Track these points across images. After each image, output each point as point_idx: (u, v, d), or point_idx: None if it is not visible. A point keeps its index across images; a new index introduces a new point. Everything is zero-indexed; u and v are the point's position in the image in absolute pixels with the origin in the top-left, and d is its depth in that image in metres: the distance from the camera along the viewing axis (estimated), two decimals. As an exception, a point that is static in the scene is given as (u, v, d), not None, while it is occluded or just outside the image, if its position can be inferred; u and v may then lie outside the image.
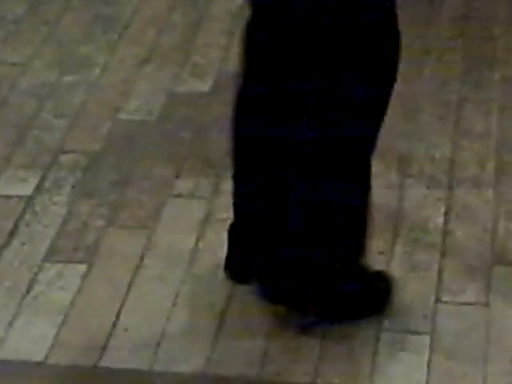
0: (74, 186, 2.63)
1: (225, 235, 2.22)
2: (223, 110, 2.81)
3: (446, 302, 2.17)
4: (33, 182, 2.65)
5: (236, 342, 2.08)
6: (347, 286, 2.13)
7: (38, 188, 2.63)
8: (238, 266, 2.21)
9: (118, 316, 2.15)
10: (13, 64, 3.17)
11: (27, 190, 2.62)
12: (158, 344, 2.06)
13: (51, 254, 2.36)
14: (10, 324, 2.13)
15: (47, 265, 2.32)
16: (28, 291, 2.23)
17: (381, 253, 2.30)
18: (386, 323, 2.12)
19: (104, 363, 2.01)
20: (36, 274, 2.29)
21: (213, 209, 2.54)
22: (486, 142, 2.70)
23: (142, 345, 2.07)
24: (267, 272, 2.12)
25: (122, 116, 2.93)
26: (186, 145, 2.80)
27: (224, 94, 2.90)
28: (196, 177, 2.68)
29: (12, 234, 2.44)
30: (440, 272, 2.26)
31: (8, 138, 2.83)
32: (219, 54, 3.20)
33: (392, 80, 2.00)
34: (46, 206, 2.57)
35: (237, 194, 2.18)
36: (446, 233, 2.39)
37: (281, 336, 2.10)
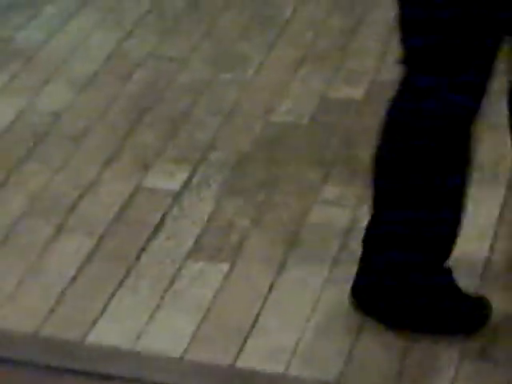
0: (221, 184, 2.66)
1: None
2: (374, 120, 2.80)
3: None
4: (182, 177, 2.69)
5: (372, 354, 2.08)
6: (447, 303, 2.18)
7: (186, 184, 2.67)
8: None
9: (257, 317, 2.17)
10: (170, 59, 3.24)
11: (176, 184, 2.66)
12: (295, 349, 2.07)
13: (195, 251, 2.39)
14: (151, 316, 2.17)
15: (190, 261, 2.36)
16: (170, 286, 2.27)
17: None
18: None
19: (240, 363, 2.03)
20: (179, 269, 2.33)
21: (357, 217, 2.53)
22: None
23: (279, 348, 2.08)
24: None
25: (274, 117, 2.95)
26: (335, 151, 2.80)
27: (376, 103, 2.91)
28: (343, 184, 2.68)
29: (158, 227, 2.49)
30: None
31: (161, 132, 2.89)
32: (374, 61, 3.20)
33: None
34: (193, 202, 2.60)
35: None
36: None
37: (416, 351, 2.08)
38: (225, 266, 2.34)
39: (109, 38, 3.31)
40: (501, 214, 2.50)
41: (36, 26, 3.38)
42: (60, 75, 3.13)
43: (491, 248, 2.38)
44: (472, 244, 2.37)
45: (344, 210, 2.57)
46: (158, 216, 2.54)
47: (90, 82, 3.08)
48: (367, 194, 2.53)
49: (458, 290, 2.20)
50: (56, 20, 3.41)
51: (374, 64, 3.18)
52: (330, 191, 2.64)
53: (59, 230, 2.46)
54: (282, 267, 2.34)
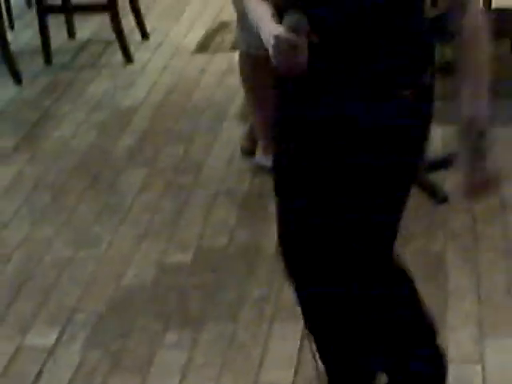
0: (86, 339, 2.64)
1: (201, 379, 2.29)
2: (202, 278, 2.93)
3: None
4: (54, 335, 2.66)
5: None
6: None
7: (58, 340, 2.64)
8: None
9: None
10: (39, 242, 3.17)
11: (50, 342, 2.64)
12: None
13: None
14: None
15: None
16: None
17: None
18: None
19: None
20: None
21: (193, 357, 2.53)
22: None
23: None
24: None
25: (123, 282, 2.93)
26: (173, 305, 2.79)
27: (202, 264, 2.97)
28: (180, 331, 2.66)
29: (37, 378, 2.48)
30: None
31: (36, 300, 2.84)
32: (198, 231, 3.19)
33: None
34: (63, 355, 2.58)
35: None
36: None
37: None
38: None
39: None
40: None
41: None
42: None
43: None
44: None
45: (182, 351, 2.57)
46: (36, 369, 2.51)
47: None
48: (200, 336, 2.60)
49: None
50: None
51: (198, 233, 3.18)
52: (170, 337, 2.64)
53: None
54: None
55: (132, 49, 4.62)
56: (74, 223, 3.29)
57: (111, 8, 4.51)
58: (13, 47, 4.47)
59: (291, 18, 1.67)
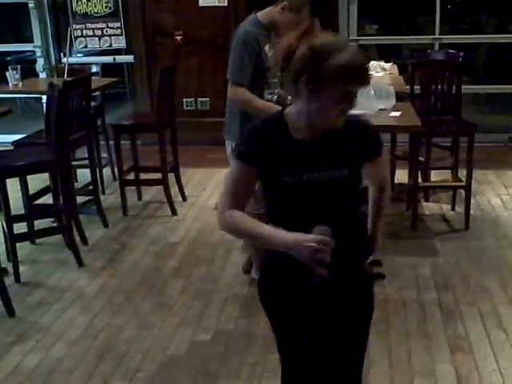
0: None
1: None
2: (217, 350, 2.81)
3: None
4: None
5: None
6: None
7: None
8: None
9: None
10: (115, 326, 3.06)
11: None
12: None
13: None
14: None
15: None
16: None
17: None
18: None
19: None
20: None
21: None
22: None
23: None
24: None
25: (168, 352, 2.81)
26: (199, 367, 2.69)
27: (218, 341, 2.86)
28: None
29: None
30: None
31: (112, 364, 2.75)
32: (215, 320, 3.03)
33: None
34: None
35: None
36: None
37: None
38: None
39: None
40: None
41: None
42: None
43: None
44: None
45: None
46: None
47: None
48: None
49: None
50: None
51: (216, 321, 3.02)
52: None
53: None
54: None
55: (176, 206, 4.62)
56: (139, 315, 3.22)
57: (163, 182, 4.55)
58: (103, 204, 4.47)
59: (321, 228, 1.37)
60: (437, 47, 5.97)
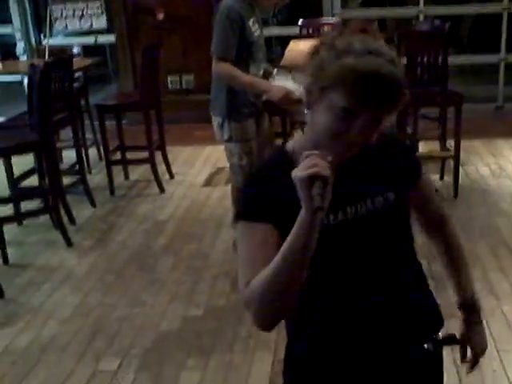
0: (137, 365, 2.54)
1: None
2: (210, 325, 2.79)
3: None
4: (116, 363, 2.57)
5: None
6: None
7: (119, 366, 2.54)
8: None
9: None
10: (107, 304, 3.06)
11: (114, 367, 2.53)
12: None
13: None
14: None
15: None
16: None
17: None
18: None
19: None
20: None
21: (204, 376, 2.45)
22: None
23: None
24: None
25: (160, 329, 2.81)
26: (192, 342, 2.70)
27: (210, 316, 2.87)
28: (196, 359, 2.57)
29: None
30: None
31: (105, 341, 2.74)
32: (207, 296, 3.04)
33: None
34: (123, 377, 2.47)
35: None
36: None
37: None
38: None
39: None
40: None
41: None
42: None
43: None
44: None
45: (197, 372, 2.48)
46: (106, 384, 2.38)
47: None
48: (209, 362, 2.50)
49: None
50: None
51: (207, 297, 3.03)
52: (191, 362, 2.56)
53: None
54: None
55: (164, 184, 4.60)
56: (130, 293, 3.21)
57: (150, 160, 4.52)
58: (90, 184, 4.43)
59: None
60: (421, 18, 5.92)
